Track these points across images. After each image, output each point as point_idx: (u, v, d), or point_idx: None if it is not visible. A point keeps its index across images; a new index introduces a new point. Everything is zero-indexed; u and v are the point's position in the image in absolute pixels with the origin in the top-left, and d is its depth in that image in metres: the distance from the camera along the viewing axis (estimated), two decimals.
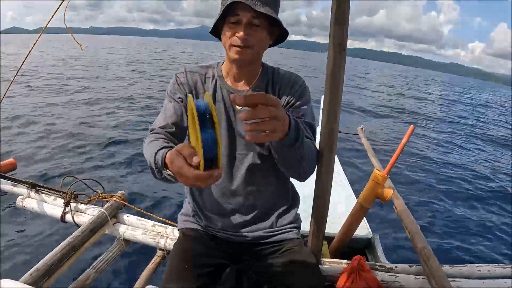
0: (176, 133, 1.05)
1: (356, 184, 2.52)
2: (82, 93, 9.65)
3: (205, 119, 0.62)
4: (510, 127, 12.79)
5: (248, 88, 1.09)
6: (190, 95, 0.69)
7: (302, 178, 1.03)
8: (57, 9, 1.36)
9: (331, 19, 1.00)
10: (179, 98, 1.08)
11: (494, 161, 6.83)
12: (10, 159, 3.71)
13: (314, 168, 1.07)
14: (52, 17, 1.36)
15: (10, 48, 32.76)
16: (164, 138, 0.99)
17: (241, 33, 0.96)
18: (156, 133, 1.03)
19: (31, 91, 9.46)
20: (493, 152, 7.75)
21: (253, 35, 0.97)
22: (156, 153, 0.86)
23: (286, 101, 1.07)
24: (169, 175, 0.84)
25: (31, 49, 1.48)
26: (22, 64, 1.59)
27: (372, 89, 22.50)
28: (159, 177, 0.89)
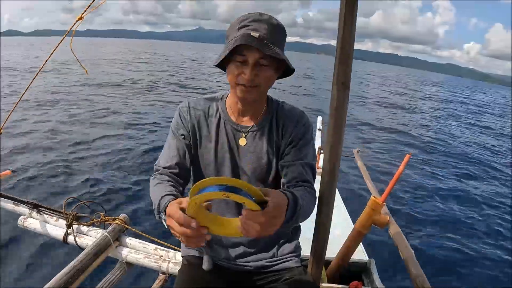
0: (180, 174, 1.07)
1: (352, 205, 2.54)
2: (82, 109, 9.37)
3: (232, 189, 0.66)
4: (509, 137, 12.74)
5: (252, 124, 1.10)
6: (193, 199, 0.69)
7: None
8: (86, 9, 1.38)
9: (335, 59, 1.03)
10: (182, 135, 1.09)
11: (492, 180, 6.79)
12: (6, 171, 3.66)
13: (311, 214, 1.08)
14: (76, 22, 1.38)
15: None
16: (169, 181, 1.02)
17: (248, 74, 0.95)
18: (160, 174, 1.05)
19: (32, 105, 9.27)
20: (492, 171, 7.66)
21: (260, 75, 0.96)
22: (161, 199, 0.90)
23: (289, 140, 1.09)
24: (164, 219, 0.87)
25: (52, 51, 1.47)
26: (40, 69, 1.58)
27: (368, 91, 22.75)
28: (158, 219, 0.93)
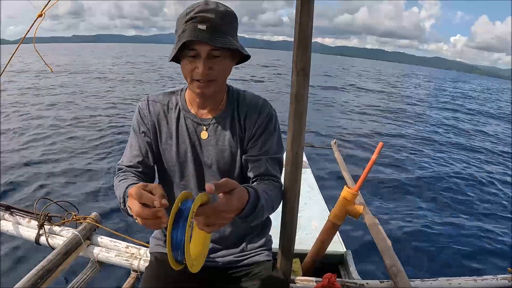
0: (144, 172, 1.01)
1: (330, 198, 2.45)
2: (61, 110, 8.99)
3: (181, 217, 0.63)
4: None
5: (213, 116, 1.02)
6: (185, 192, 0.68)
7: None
8: (31, 26, 1.30)
9: (294, 43, 0.95)
10: (142, 132, 1.02)
11: (473, 170, 6.69)
12: None
13: (277, 208, 1.03)
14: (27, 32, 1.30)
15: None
16: (134, 177, 0.96)
17: (201, 68, 0.87)
18: (124, 172, 1.00)
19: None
20: (474, 157, 7.53)
21: (214, 68, 0.89)
22: (127, 187, 0.86)
23: (252, 133, 1.01)
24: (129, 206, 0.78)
25: (16, 49, 1.39)
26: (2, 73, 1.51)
27: (354, 86, 22.52)
28: (124, 211, 0.89)
